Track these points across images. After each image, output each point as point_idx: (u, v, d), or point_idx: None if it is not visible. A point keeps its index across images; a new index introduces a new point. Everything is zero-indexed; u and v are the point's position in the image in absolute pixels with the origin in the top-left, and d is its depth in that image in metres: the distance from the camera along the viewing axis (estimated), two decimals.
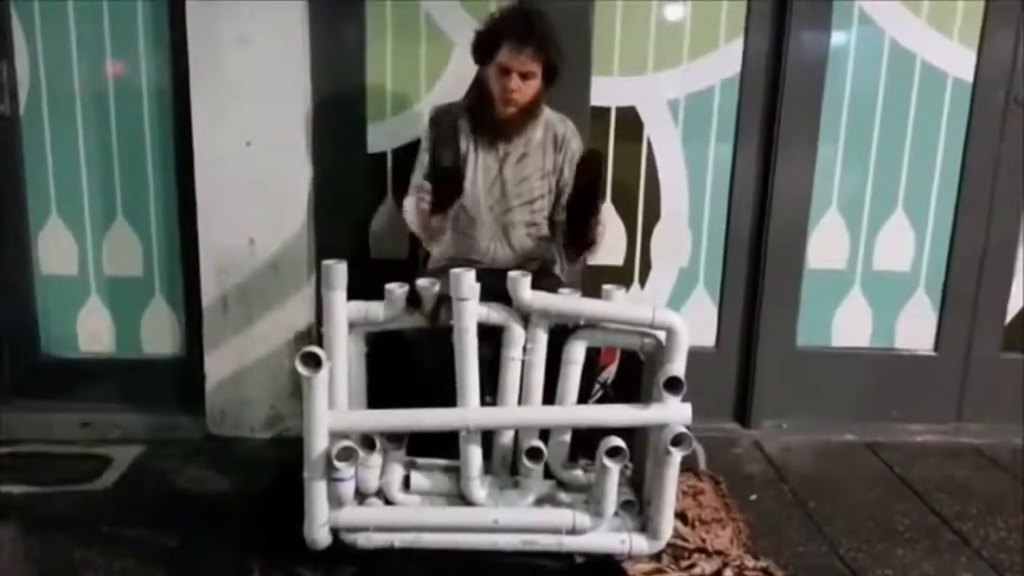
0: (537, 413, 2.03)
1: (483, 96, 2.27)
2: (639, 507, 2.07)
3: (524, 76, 2.19)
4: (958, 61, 2.81)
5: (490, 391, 2.09)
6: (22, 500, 2.37)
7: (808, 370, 2.98)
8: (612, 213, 2.88)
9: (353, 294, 1.99)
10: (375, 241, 2.84)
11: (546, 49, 2.18)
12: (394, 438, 2.05)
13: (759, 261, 2.89)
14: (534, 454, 1.99)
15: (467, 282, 1.91)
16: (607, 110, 2.82)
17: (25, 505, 2.34)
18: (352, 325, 2.01)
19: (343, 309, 1.97)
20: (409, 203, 2.28)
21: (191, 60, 2.60)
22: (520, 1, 2.41)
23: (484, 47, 2.25)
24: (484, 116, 2.29)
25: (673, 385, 1.92)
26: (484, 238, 2.35)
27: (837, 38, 2.78)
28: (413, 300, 2.02)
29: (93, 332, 2.94)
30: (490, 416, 2.03)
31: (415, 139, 2.54)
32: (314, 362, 1.85)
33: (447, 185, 2.06)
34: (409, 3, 2.71)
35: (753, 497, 2.48)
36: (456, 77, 2.67)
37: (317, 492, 1.93)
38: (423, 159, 2.34)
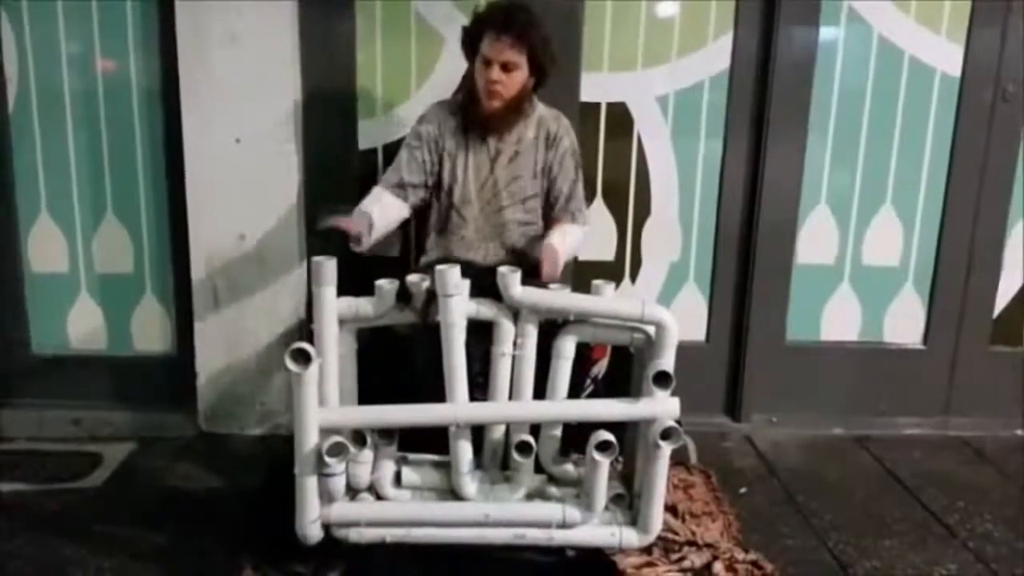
0: (526, 408, 2.04)
1: (470, 92, 2.28)
2: (629, 501, 2.08)
3: (506, 67, 2.19)
4: (946, 57, 2.83)
5: (481, 386, 2.10)
6: (13, 498, 2.37)
7: (798, 364, 3.00)
8: (603, 209, 2.89)
9: (344, 290, 1.99)
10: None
11: (528, 39, 2.17)
12: (385, 434, 2.06)
13: (749, 256, 2.90)
14: (524, 448, 1.99)
15: (453, 279, 1.92)
16: (597, 106, 2.82)
17: (16, 503, 2.34)
18: (342, 321, 2.01)
19: (333, 305, 1.98)
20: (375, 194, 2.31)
21: (180, 59, 2.60)
22: None
23: (469, 41, 2.25)
24: (471, 112, 2.29)
25: (662, 380, 1.93)
26: (476, 238, 2.35)
27: (825, 34, 2.79)
28: (403, 296, 2.02)
29: (84, 329, 2.94)
30: (479, 412, 2.04)
31: (405, 135, 2.54)
32: (304, 358, 1.86)
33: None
34: (399, 1, 2.71)
35: (743, 490, 2.50)
36: (446, 74, 2.67)
37: (308, 488, 1.94)
38: (401, 157, 2.35)
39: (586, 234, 2.44)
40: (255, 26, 2.58)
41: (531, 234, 2.37)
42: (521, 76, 2.23)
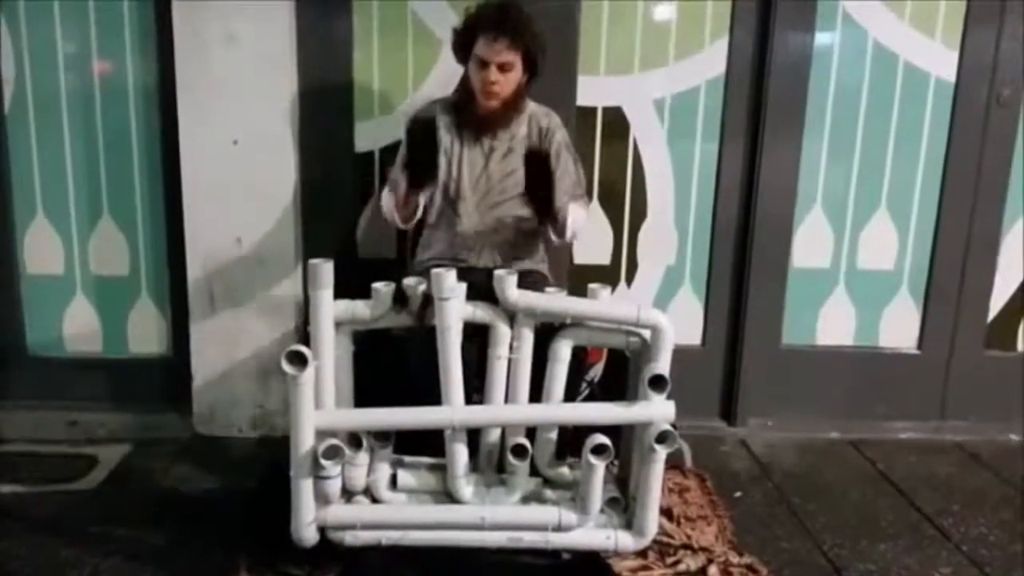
0: (522, 411, 2.04)
1: (467, 92, 2.28)
2: (625, 504, 2.08)
3: (502, 68, 2.20)
4: (940, 61, 2.84)
5: (477, 389, 2.10)
6: (10, 500, 2.36)
7: (793, 368, 3.00)
8: (599, 212, 2.90)
9: (340, 293, 1.99)
10: (362, 240, 2.84)
11: (522, 39, 2.18)
12: (381, 436, 2.06)
13: (744, 260, 2.91)
14: (519, 452, 1.99)
15: (448, 282, 1.92)
16: (593, 110, 2.83)
17: (12, 505, 2.34)
18: (339, 324, 2.01)
19: (330, 308, 1.98)
20: (385, 194, 2.34)
21: (177, 59, 2.59)
22: None
23: (462, 42, 2.26)
24: (468, 111, 2.29)
25: (657, 383, 1.94)
26: (472, 234, 2.35)
27: (821, 38, 2.80)
28: (400, 299, 2.02)
29: (79, 331, 2.93)
30: (475, 415, 2.04)
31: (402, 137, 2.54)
32: (300, 361, 1.85)
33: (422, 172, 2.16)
34: (396, 2, 2.72)
35: (738, 494, 2.50)
36: (443, 75, 2.67)
37: (304, 490, 1.94)
38: (403, 155, 2.35)
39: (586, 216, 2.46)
40: (252, 26, 2.58)
41: (526, 228, 2.37)
42: (517, 75, 2.24)
